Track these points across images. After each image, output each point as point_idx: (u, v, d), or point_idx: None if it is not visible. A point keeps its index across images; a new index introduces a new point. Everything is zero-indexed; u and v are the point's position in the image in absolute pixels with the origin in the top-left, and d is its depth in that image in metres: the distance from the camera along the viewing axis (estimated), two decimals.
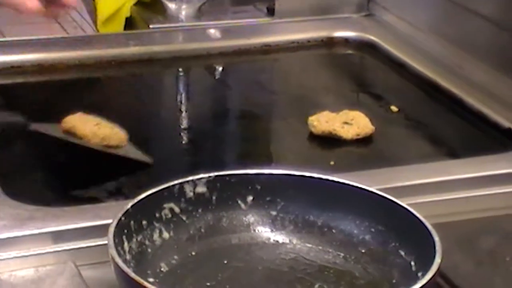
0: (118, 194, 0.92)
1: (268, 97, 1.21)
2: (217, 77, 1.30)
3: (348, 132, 1.04)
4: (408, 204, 0.79)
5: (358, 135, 1.04)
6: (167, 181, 0.79)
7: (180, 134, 1.11)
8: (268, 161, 1.03)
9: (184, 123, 1.14)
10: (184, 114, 1.17)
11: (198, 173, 0.81)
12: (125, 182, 0.97)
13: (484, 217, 0.88)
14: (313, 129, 1.06)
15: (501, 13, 1.12)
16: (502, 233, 0.85)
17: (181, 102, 1.22)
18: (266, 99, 1.20)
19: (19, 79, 1.19)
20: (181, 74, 1.28)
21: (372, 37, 1.32)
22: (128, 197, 0.83)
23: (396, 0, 1.34)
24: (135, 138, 1.08)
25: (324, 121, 1.06)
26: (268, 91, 1.23)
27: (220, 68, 1.30)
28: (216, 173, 0.81)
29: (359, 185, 0.80)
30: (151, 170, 1.00)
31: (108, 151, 0.98)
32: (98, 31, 1.44)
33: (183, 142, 1.09)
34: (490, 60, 1.14)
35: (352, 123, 1.05)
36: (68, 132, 1.00)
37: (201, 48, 1.29)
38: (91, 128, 0.99)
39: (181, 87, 1.28)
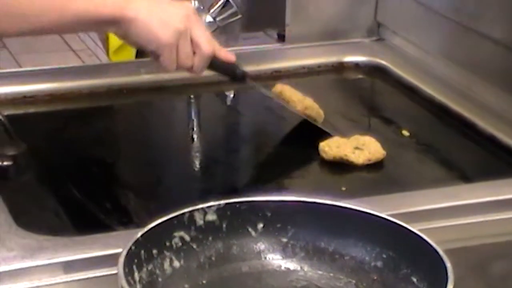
0: (129, 222, 0.92)
1: (278, 122, 1.21)
2: (228, 103, 1.30)
3: (359, 158, 1.04)
4: (420, 230, 0.78)
5: (369, 160, 1.04)
6: (178, 209, 0.79)
7: (191, 160, 1.11)
8: (279, 187, 1.03)
9: (196, 150, 1.15)
10: (195, 140, 1.17)
11: (209, 200, 0.81)
12: (136, 210, 0.97)
13: (497, 242, 0.88)
14: (324, 155, 1.06)
15: (510, 36, 1.12)
16: None
17: (192, 129, 1.22)
18: (276, 125, 1.20)
19: (31, 109, 1.19)
20: (192, 101, 1.28)
21: (383, 62, 1.32)
22: (138, 225, 0.83)
23: (406, 24, 1.34)
24: (147, 164, 1.09)
25: (334, 147, 1.06)
26: (279, 116, 1.23)
27: (231, 95, 1.31)
28: (226, 201, 0.81)
29: (370, 211, 0.79)
30: (162, 197, 1.01)
31: (309, 120, 1.12)
32: (110, 59, 1.45)
33: (195, 168, 1.09)
34: (500, 83, 1.14)
35: (363, 148, 1.05)
36: (277, 96, 1.15)
37: (211, 74, 1.29)
38: (298, 96, 1.14)
39: (192, 114, 1.28)
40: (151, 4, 0.99)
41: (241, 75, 1.08)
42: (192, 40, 0.99)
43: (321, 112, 1.14)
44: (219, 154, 1.12)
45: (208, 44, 1.01)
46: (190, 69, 1.02)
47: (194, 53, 1.00)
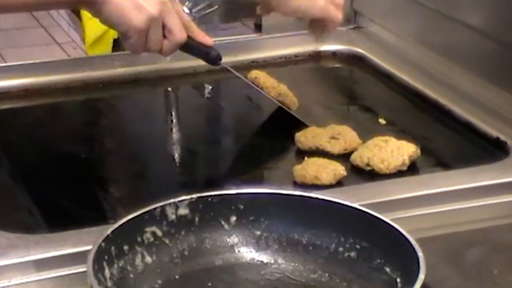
0: (105, 218, 0.92)
1: (256, 114, 1.20)
2: (205, 95, 1.30)
3: (335, 147, 1.03)
4: (395, 219, 0.78)
5: (345, 149, 1.03)
6: (155, 203, 0.79)
7: (169, 154, 1.11)
8: (256, 179, 1.03)
9: (174, 143, 1.14)
10: (173, 134, 1.17)
11: (188, 193, 0.81)
12: (113, 206, 0.97)
13: (472, 229, 0.87)
14: (300, 145, 1.05)
15: (486, 23, 1.12)
16: (490, 245, 0.84)
17: (170, 122, 1.21)
18: (254, 116, 1.19)
19: (6, 105, 1.18)
20: (170, 93, 1.28)
21: (360, 50, 1.31)
22: (112, 220, 0.82)
23: (382, 12, 1.34)
24: (124, 158, 1.08)
25: (310, 137, 1.05)
26: (256, 108, 1.23)
27: (209, 87, 1.30)
28: (198, 195, 0.81)
29: (342, 202, 0.79)
30: (140, 192, 1.00)
31: (283, 107, 1.13)
32: (86, 53, 1.45)
33: (173, 162, 1.09)
34: (477, 70, 1.13)
35: (339, 137, 1.04)
36: (252, 81, 1.17)
37: (188, 66, 1.29)
38: (272, 83, 1.17)
39: (170, 107, 1.28)
40: None
41: (215, 57, 1.07)
42: (164, 26, 0.98)
43: (295, 99, 1.15)
44: (197, 147, 1.11)
45: (180, 31, 1.00)
46: (159, 52, 1.01)
47: (165, 37, 0.99)
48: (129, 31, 0.96)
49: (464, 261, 0.81)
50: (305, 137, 1.05)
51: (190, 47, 1.03)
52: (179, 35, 0.99)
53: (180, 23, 1.00)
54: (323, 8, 1.09)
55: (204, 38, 1.04)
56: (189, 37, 1.02)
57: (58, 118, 1.17)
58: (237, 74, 1.15)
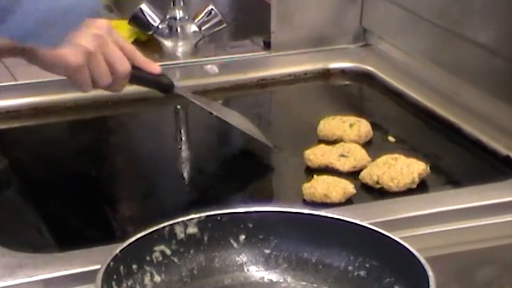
0: (114, 237, 0.92)
1: (266, 130, 1.20)
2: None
3: (344, 165, 1.03)
4: (405, 237, 0.78)
5: (354, 167, 1.03)
6: (163, 222, 0.79)
7: (179, 172, 1.10)
8: (265, 197, 1.03)
9: (183, 161, 1.14)
10: (183, 152, 1.17)
11: (196, 212, 0.80)
12: (122, 224, 0.97)
13: (483, 248, 0.87)
14: (309, 163, 1.05)
15: (496, 40, 1.12)
16: (501, 263, 0.84)
17: (179, 140, 1.22)
18: (264, 133, 1.19)
19: (15, 124, 1.19)
20: (179, 111, 1.28)
21: (369, 67, 1.32)
22: (122, 239, 0.82)
23: (391, 30, 1.34)
24: (134, 177, 1.08)
25: (320, 155, 1.05)
26: (266, 125, 1.23)
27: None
28: (207, 213, 0.80)
29: (352, 220, 0.79)
30: (149, 210, 1.00)
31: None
32: None
33: (182, 180, 1.09)
34: (487, 87, 1.13)
35: (348, 155, 1.04)
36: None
37: (198, 84, 1.29)
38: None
39: (179, 124, 1.28)
40: None
41: (168, 85, 1.04)
42: (106, 60, 0.96)
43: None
44: (207, 165, 1.11)
45: (121, 63, 0.97)
46: (109, 87, 0.99)
47: (111, 73, 0.97)
48: (67, 71, 0.94)
49: (475, 280, 0.80)
50: (314, 155, 1.05)
51: (138, 78, 1.01)
52: (121, 67, 0.97)
53: (121, 55, 0.98)
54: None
55: (151, 66, 1.02)
56: (135, 67, 1.00)
57: (67, 136, 1.17)
58: (195, 101, 1.11)
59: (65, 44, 0.92)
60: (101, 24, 0.97)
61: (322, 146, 1.07)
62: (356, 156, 1.04)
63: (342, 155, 1.04)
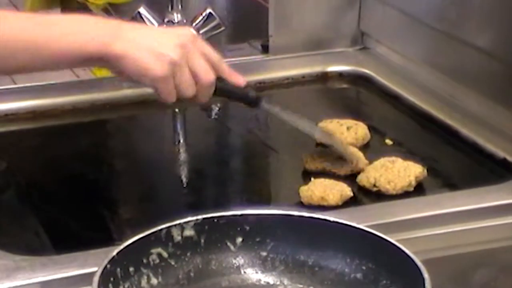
0: (112, 239, 0.92)
1: (263, 134, 1.20)
2: (213, 116, 1.30)
3: (341, 168, 1.03)
4: (402, 240, 0.78)
5: (352, 170, 1.03)
6: (161, 225, 0.79)
7: (177, 175, 1.11)
8: (262, 199, 1.03)
9: (182, 164, 1.14)
10: (181, 155, 1.17)
11: (194, 214, 0.80)
12: (120, 227, 0.97)
13: (479, 250, 0.87)
14: (306, 166, 1.05)
15: (493, 44, 1.12)
16: (497, 266, 0.84)
17: (177, 143, 1.22)
18: (261, 137, 1.20)
19: (13, 127, 1.19)
20: (177, 114, 1.28)
21: (367, 71, 1.32)
22: (119, 241, 0.82)
23: (389, 33, 1.34)
24: (132, 180, 1.08)
25: (317, 158, 1.05)
26: (264, 128, 1.23)
27: (216, 108, 1.30)
28: (204, 216, 0.80)
29: (348, 223, 0.79)
30: (147, 213, 1.00)
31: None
32: (94, 74, 1.45)
33: (180, 183, 1.09)
34: (483, 90, 1.13)
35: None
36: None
37: None
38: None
39: (178, 128, 1.28)
40: (141, 35, 0.94)
41: (254, 99, 1.00)
42: (190, 70, 0.94)
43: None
44: (204, 168, 1.12)
45: (206, 73, 0.95)
46: (193, 98, 0.97)
47: (196, 82, 0.95)
48: (153, 82, 0.93)
49: (471, 283, 0.80)
50: (312, 158, 1.05)
51: (223, 90, 0.98)
52: (205, 78, 0.95)
53: (206, 65, 0.95)
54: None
55: (236, 78, 0.99)
56: (221, 79, 0.97)
57: (65, 139, 1.17)
58: (283, 116, 1.06)
59: (147, 54, 0.91)
60: (186, 33, 0.96)
61: (319, 149, 1.07)
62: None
63: (340, 158, 1.04)
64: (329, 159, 1.04)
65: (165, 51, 0.92)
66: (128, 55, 0.91)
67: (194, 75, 0.94)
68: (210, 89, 0.96)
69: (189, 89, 0.95)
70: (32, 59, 0.90)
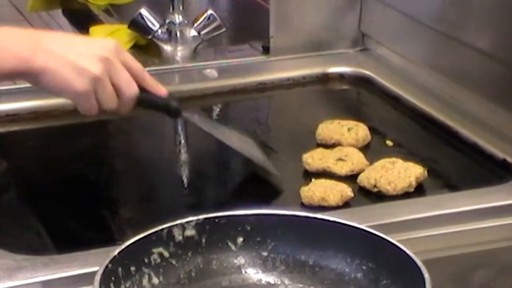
0: (113, 239, 0.92)
1: (264, 135, 1.21)
2: (214, 116, 1.30)
3: (342, 169, 1.04)
4: (402, 240, 0.78)
5: (352, 171, 1.04)
6: (161, 224, 0.79)
7: (178, 176, 1.11)
8: (263, 200, 1.03)
9: (182, 165, 1.14)
10: (181, 155, 1.17)
11: (195, 214, 0.81)
12: (121, 227, 0.97)
13: (479, 251, 0.87)
14: (307, 167, 1.06)
15: (493, 45, 1.12)
16: (497, 266, 0.84)
17: (178, 143, 1.22)
18: (262, 137, 1.20)
19: (15, 127, 1.19)
20: None
21: (367, 72, 1.32)
22: (120, 241, 0.83)
23: (390, 35, 1.35)
24: (133, 180, 1.09)
25: (317, 158, 1.05)
26: (265, 129, 1.23)
27: (217, 108, 1.31)
28: (205, 216, 0.81)
29: (348, 223, 0.79)
30: (148, 213, 1.00)
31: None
32: None
33: (181, 184, 1.09)
34: (483, 92, 1.14)
35: (346, 159, 1.05)
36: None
37: (197, 88, 1.30)
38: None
39: (179, 129, 1.28)
40: (63, 48, 0.91)
41: (176, 110, 1.01)
42: (112, 83, 0.93)
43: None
44: (205, 169, 1.12)
45: (129, 85, 0.94)
46: (114, 110, 0.96)
47: (118, 95, 0.93)
48: (74, 97, 0.91)
49: (471, 283, 0.81)
50: (312, 159, 1.05)
51: (145, 101, 0.97)
52: (128, 91, 0.94)
53: (128, 77, 0.94)
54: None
55: (158, 89, 0.98)
56: (143, 89, 0.96)
57: (67, 140, 1.17)
58: (203, 126, 1.07)
59: (69, 69, 0.90)
60: (108, 45, 0.94)
61: (320, 150, 1.07)
62: (354, 160, 1.04)
63: (340, 159, 1.05)
64: (330, 160, 1.05)
65: (86, 65, 0.90)
66: (48, 69, 0.89)
67: (117, 88, 0.93)
68: (131, 101, 0.95)
69: (111, 103, 0.93)
70: None
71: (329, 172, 1.04)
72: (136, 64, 0.96)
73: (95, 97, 0.92)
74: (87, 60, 0.91)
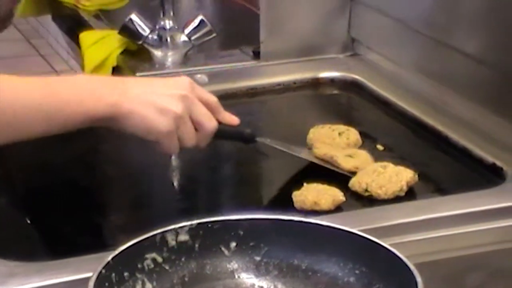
0: (106, 245, 0.92)
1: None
2: None
3: (347, 163, 1.03)
4: (394, 244, 0.79)
5: (356, 168, 1.03)
6: (154, 229, 0.79)
7: (170, 181, 1.11)
8: (255, 204, 1.03)
9: (175, 170, 1.14)
10: (174, 159, 1.17)
11: (188, 219, 0.81)
12: (114, 232, 0.97)
13: (470, 254, 0.88)
14: (315, 150, 1.06)
15: (483, 50, 1.13)
16: (489, 270, 0.85)
17: None
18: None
19: None
20: None
21: (357, 77, 1.33)
22: (113, 247, 0.83)
23: (380, 40, 1.35)
24: (125, 185, 1.09)
25: (326, 146, 1.06)
26: (256, 133, 1.23)
27: None
28: (198, 221, 0.81)
29: (341, 227, 0.80)
30: (141, 218, 1.00)
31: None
32: None
33: (174, 189, 1.09)
34: (473, 96, 1.14)
35: (354, 157, 1.05)
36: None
37: None
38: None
39: None
40: (145, 90, 0.94)
41: (251, 137, 1.03)
42: (192, 120, 0.95)
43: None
44: (198, 173, 1.12)
45: (209, 120, 0.96)
46: (194, 146, 0.97)
47: (196, 130, 0.95)
48: (158, 137, 0.93)
49: (463, 286, 0.81)
50: (323, 144, 1.07)
51: (222, 132, 0.99)
52: (209, 126, 0.96)
53: (207, 112, 0.96)
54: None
55: (231, 119, 1.00)
56: (218, 121, 0.98)
57: (59, 145, 1.17)
58: (281, 148, 1.07)
59: (153, 110, 0.91)
60: (184, 83, 0.96)
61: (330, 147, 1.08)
62: (361, 158, 1.05)
63: (349, 156, 1.05)
64: (339, 152, 1.05)
65: (168, 104, 0.92)
66: (134, 112, 0.91)
67: (197, 124, 0.95)
68: (211, 135, 0.97)
69: (191, 140, 0.95)
70: (39, 129, 0.91)
71: (333, 162, 1.04)
72: (211, 98, 0.98)
73: (176, 136, 0.94)
74: (168, 100, 0.93)
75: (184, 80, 0.97)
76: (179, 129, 0.94)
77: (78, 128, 0.95)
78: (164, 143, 0.94)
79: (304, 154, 1.07)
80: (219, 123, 0.98)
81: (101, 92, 0.92)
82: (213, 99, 0.99)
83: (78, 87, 0.92)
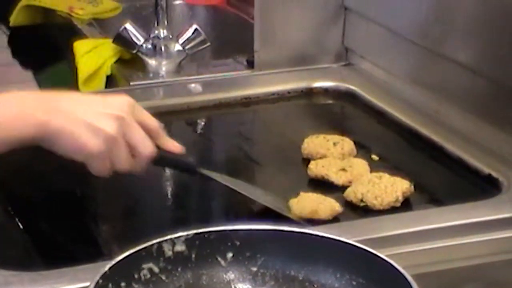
0: (100, 254, 0.92)
1: (250, 149, 1.21)
2: (198, 131, 1.30)
3: (340, 178, 1.04)
4: (390, 255, 0.78)
5: (349, 182, 1.03)
6: (149, 240, 0.79)
7: (164, 190, 1.11)
8: (251, 214, 1.03)
9: (168, 179, 1.14)
10: (167, 169, 1.17)
11: (182, 229, 0.81)
12: (107, 242, 0.97)
13: (466, 265, 0.88)
14: (309, 172, 1.06)
15: (477, 60, 1.14)
16: (484, 281, 0.85)
17: None
18: (247, 151, 1.20)
19: None
20: (163, 129, 1.28)
21: (351, 86, 1.33)
22: (110, 257, 0.82)
23: (373, 49, 1.36)
24: (119, 195, 1.08)
25: (321, 166, 1.06)
26: (250, 143, 1.24)
27: (202, 122, 1.31)
28: (195, 231, 0.81)
29: (338, 238, 0.79)
30: (134, 228, 1.00)
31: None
32: (79, 90, 1.45)
33: (167, 198, 1.09)
34: (468, 106, 1.15)
35: (348, 170, 1.05)
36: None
37: (181, 103, 1.30)
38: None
39: None
40: (78, 108, 0.88)
41: (192, 166, 0.97)
42: (128, 143, 0.89)
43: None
44: (192, 183, 1.11)
45: (145, 145, 0.90)
46: (128, 171, 0.92)
47: (132, 155, 0.90)
48: (88, 158, 0.88)
49: None
50: (316, 164, 1.06)
51: (161, 159, 0.94)
52: (145, 151, 0.90)
53: (145, 136, 0.91)
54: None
55: (173, 146, 0.95)
56: (158, 147, 0.93)
57: (52, 154, 1.16)
58: (221, 180, 1.01)
59: (84, 129, 0.87)
60: (122, 102, 0.91)
61: (329, 159, 1.08)
62: (354, 171, 1.05)
63: (343, 169, 1.05)
64: (332, 168, 1.05)
65: (100, 124, 0.87)
66: (65, 130, 0.87)
67: (132, 148, 0.90)
68: (148, 161, 0.92)
69: (125, 164, 0.90)
70: None
71: (327, 180, 1.04)
72: (152, 122, 0.93)
73: (108, 159, 0.89)
74: (101, 119, 0.88)
75: (124, 100, 0.91)
76: (112, 152, 0.88)
77: (8, 148, 0.89)
78: (93, 164, 0.89)
79: (248, 192, 1.01)
80: (160, 149, 0.93)
81: (29, 112, 0.87)
82: (155, 124, 0.93)
83: (6, 108, 0.87)
